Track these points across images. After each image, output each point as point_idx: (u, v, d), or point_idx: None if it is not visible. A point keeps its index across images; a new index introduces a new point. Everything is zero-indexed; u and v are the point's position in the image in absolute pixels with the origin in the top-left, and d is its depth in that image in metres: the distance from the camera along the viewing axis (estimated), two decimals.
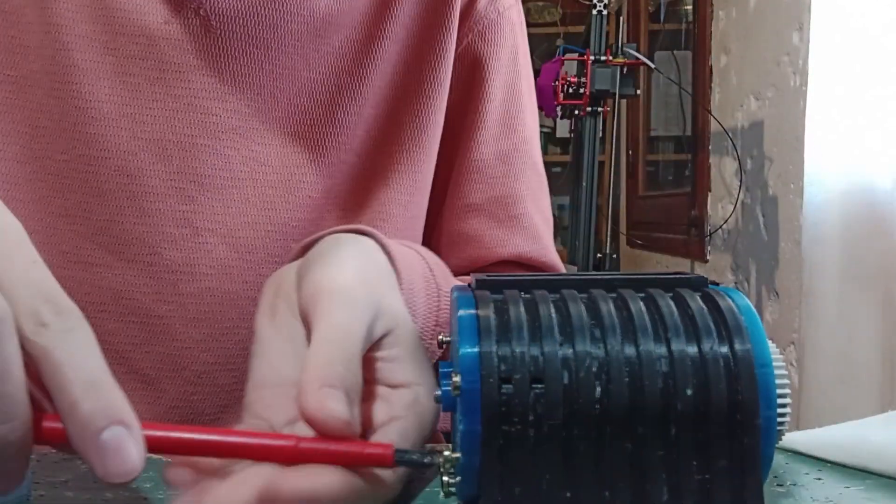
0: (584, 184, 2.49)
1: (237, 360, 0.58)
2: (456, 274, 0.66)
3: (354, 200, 0.61)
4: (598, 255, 2.49)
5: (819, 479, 0.45)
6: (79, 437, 0.31)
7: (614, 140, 2.70)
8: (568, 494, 0.32)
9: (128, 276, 0.56)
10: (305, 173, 0.59)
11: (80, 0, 0.55)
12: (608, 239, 2.65)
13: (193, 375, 0.57)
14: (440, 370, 0.43)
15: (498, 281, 0.38)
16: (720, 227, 2.51)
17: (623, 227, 3.66)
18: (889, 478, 0.45)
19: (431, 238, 0.68)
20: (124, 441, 0.32)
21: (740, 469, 0.33)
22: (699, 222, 2.65)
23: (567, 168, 2.85)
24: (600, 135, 2.53)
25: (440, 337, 0.45)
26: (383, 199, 0.61)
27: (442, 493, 0.36)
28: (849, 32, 1.98)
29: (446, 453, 0.34)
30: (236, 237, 0.57)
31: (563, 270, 0.72)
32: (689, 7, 2.86)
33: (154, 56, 0.55)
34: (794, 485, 0.44)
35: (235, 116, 0.57)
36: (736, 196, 2.40)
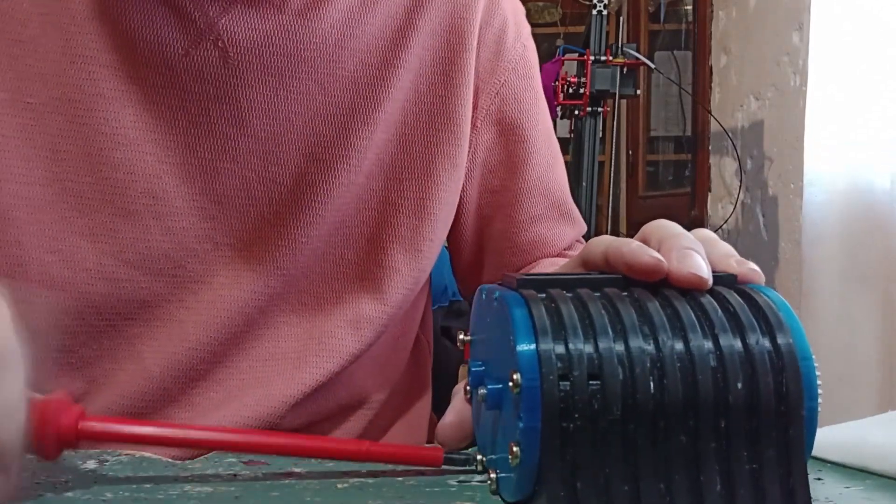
0: (584, 184, 2.49)
1: (234, 361, 0.62)
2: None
3: (361, 220, 0.65)
4: None
5: (819, 479, 0.46)
6: None
7: (614, 140, 2.71)
8: (626, 488, 0.33)
9: (153, 287, 0.60)
10: (317, 193, 0.62)
11: (104, 31, 0.58)
12: None
13: (196, 374, 0.61)
14: (470, 369, 0.44)
15: (541, 280, 0.39)
16: (720, 227, 2.52)
17: (623, 227, 3.67)
18: (889, 478, 0.46)
19: (500, 251, 0.74)
20: None
21: (787, 457, 0.34)
22: (699, 222, 2.66)
23: (567, 168, 2.86)
24: (600, 135, 2.54)
25: (461, 336, 0.47)
26: (391, 223, 0.65)
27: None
28: (849, 32, 2.00)
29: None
30: (250, 251, 0.61)
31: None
32: (689, 7, 2.88)
33: (176, 85, 0.59)
34: None
35: (253, 140, 0.61)
36: (736, 196, 2.41)
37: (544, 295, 0.38)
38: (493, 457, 0.42)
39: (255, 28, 0.60)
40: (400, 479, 0.45)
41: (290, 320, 0.63)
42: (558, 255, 0.74)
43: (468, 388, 0.47)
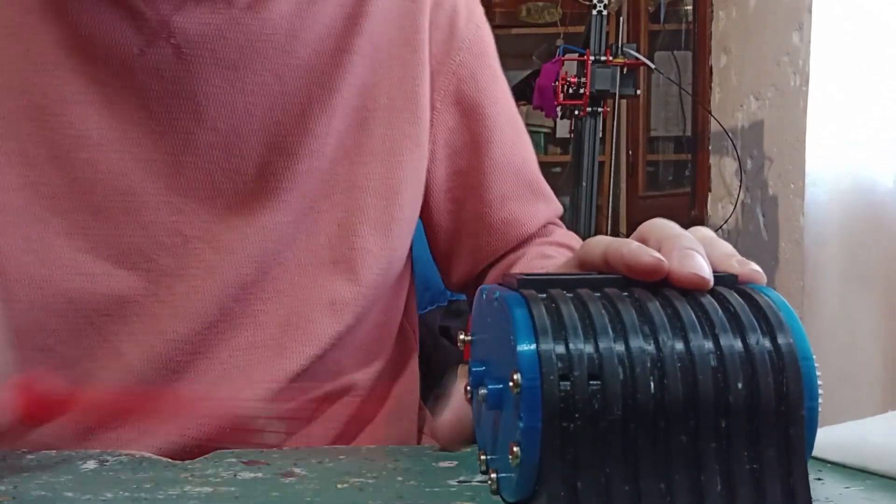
0: (584, 184, 2.49)
1: (214, 351, 0.63)
2: (504, 256, 0.74)
3: (330, 204, 0.66)
4: None
5: (819, 479, 0.46)
6: None
7: (614, 140, 2.71)
8: (627, 488, 0.33)
9: (128, 282, 0.61)
10: (281, 180, 0.64)
11: (61, 36, 0.60)
12: None
13: (177, 366, 0.62)
14: (471, 369, 0.44)
15: (541, 280, 0.39)
16: (720, 227, 2.52)
17: (623, 227, 3.67)
18: (889, 478, 0.46)
19: (475, 233, 0.74)
20: None
21: (787, 458, 0.34)
22: (699, 222, 2.66)
23: (567, 168, 2.86)
24: (600, 135, 2.54)
25: (461, 336, 0.47)
26: (360, 205, 0.66)
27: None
28: (849, 32, 2.00)
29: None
30: (220, 242, 0.63)
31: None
32: (689, 7, 2.88)
33: (134, 84, 0.61)
34: None
35: (213, 134, 0.63)
36: (736, 196, 2.41)
37: (545, 295, 0.38)
38: (494, 457, 0.42)
39: (207, 23, 0.61)
40: (400, 479, 0.45)
41: (267, 308, 0.64)
42: (538, 237, 0.75)
43: (468, 388, 0.47)
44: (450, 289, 0.87)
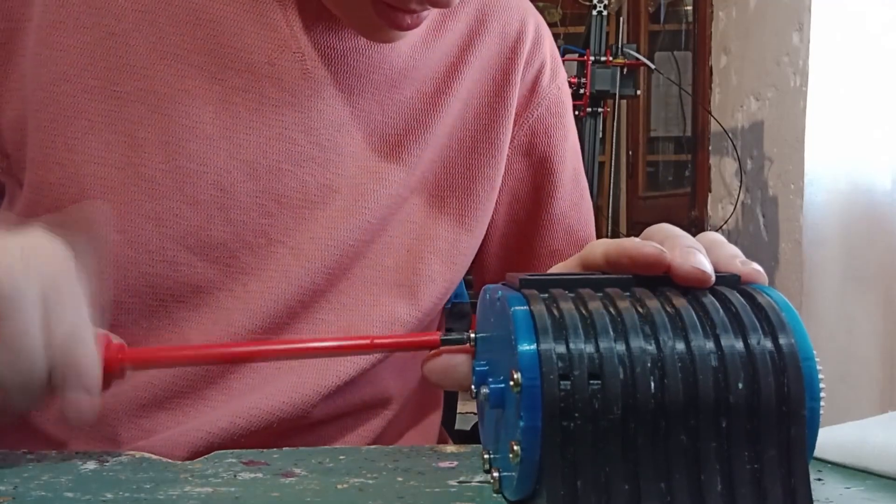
0: None
1: None
2: None
3: (403, 231, 0.69)
4: None
5: (819, 479, 0.46)
6: None
7: (614, 140, 2.71)
8: (626, 487, 0.33)
9: (207, 274, 0.64)
10: (368, 201, 0.67)
11: (197, 34, 0.63)
12: None
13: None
14: (475, 369, 0.44)
15: (543, 280, 0.39)
16: (720, 227, 2.52)
17: (623, 228, 3.68)
18: (889, 478, 0.46)
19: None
20: None
21: (787, 458, 0.34)
22: (699, 223, 2.67)
23: None
24: (600, 135, 2.55)
25: (469, 334, 0.47)
26: (430, 235, 0.70)
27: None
28: (849, 32, 2.00)
29: (517, 448, 0.35)
30: (300, 249, 0.65)
31: None
32: (689, 7, 2.88)
33: (255, 90, 0.64)
34: None
35: (317, 149, 0.65)
36: (736, 196, 2.41)
37: (546, 295, 0.38)
38: (496, 455, 0.42)
39: (334, 47, 0.65)
40: (400, 479, 0.45)
41: (328, 317, 0.66)
42: None
43: (473, 386, 0.47)
44: None
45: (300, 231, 0.65)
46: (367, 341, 0.48)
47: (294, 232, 0.65)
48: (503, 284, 0.42)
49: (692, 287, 0.38)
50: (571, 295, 0.37)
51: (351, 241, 0.66)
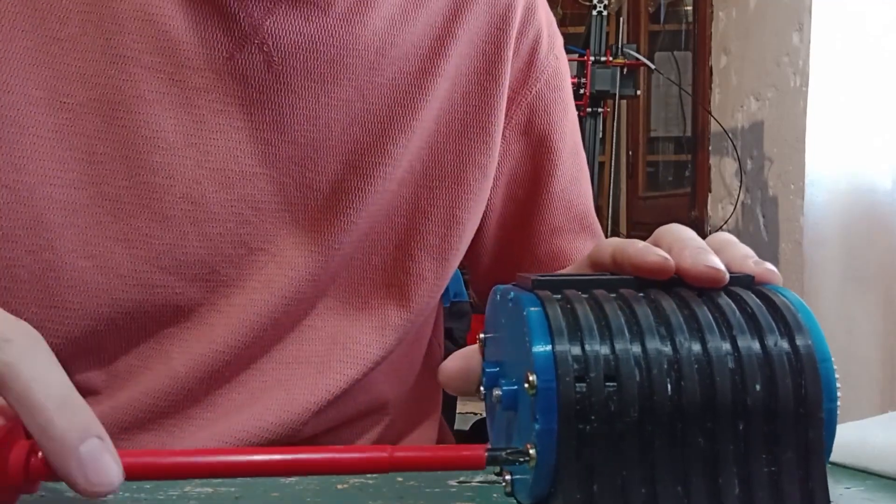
0: None
1: (258, 363, 0.62)
2: None
3: (391, 227, 0.65)
4: None
5: None
6: (57, 454, 0.32)
7: (614, 140, 2.71)
8: (643, 490, 0.33)
9: (187, 293, 0.59)
10: (352, 200, 0.62)
11: (147, 32, 0.57)
12: None
13: (221, 376, 0.60)
14: (485, 370, 0.43)
15: (556, 281, 0.39)
16: (720, 227, 2.52)
17: (623, 228, 3.67)
18: (889, 478, 0.45)
19: (518, 262, 0.74)
20: (102, 453, 0.33)
21: (805, 460, 0.34)
22: (699, 223, 2.67)
23: None
24: (600, 135, 2.55)
25: (480, 335, 0.46)
26: (420, 230, 0.65)
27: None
28: (849, 32, 2.00)
29: (532, 451, 0.34)
30: (283, 256, 0.61)
31: None
32: (689, 8, 2.88)
33: (218, 89, 0.58)
34: None
35: (292, 147, 0.60)
36: (736, 196, 2.41)
37: (560, 296, 0.37)
38: None
39: (300, 31, 0.59)
40: (400, 479, 0.45)
41: (315, 324, 0.63)
42: None
43: (482, 388, 0.46)
44: (479, 300, 0.85)
45: (281, 237, 0.61)
46: (386, 454, 0.36)
47: (275, 238, 0.61)
48: (514, 285, 0.42)
49: (706, 288, 0.38)
50: (585, 296, 0.37)
51: (336, 242, 0.62)
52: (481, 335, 0.45)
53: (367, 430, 0.67)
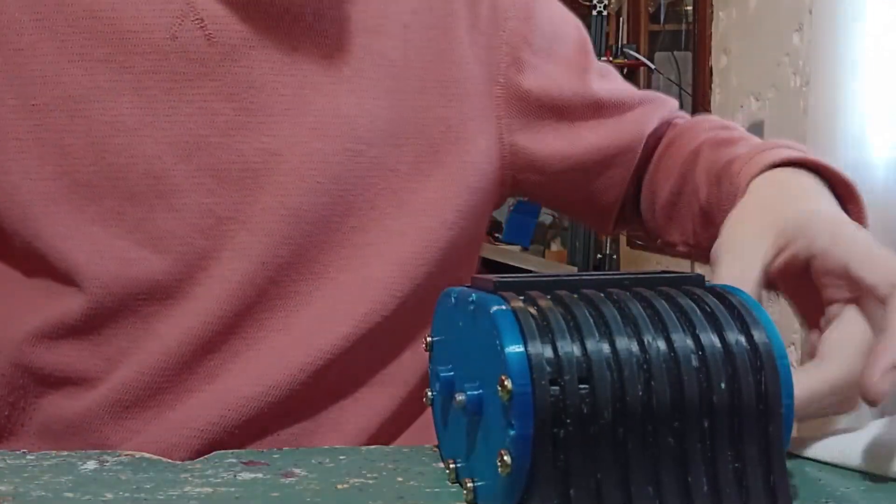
0: None
1: (249, 332, 0.64)
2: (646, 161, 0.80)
3: (362, 185, 0.66)
4: (599, 255, 2.51)
5: (819, 479, 0.46)
6: None
7: None
8: (618, 492, 0.33)
9: (164, 265, 0.62)
10: (314, 160, 0.64)
11: (96, 28, 0.62)
12: (608, 240, 2.66)
13: (213, 346, 0.63)
14: (439, 374, 0.43)
15: (518, 282, 0.39)
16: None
17: None
18: (889, 478, 0.46)
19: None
20: None
21: (767, 454, 0.35)
22: None
23: None
24: None
25: (427, 338, 0.47)
26: (392, 187, 0.66)
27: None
28: (849, 32, 2.00)
29: (506, 458, 0.34)
30: (254, 222, 0.63)
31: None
32: (689, 8, 2.87)
33: (165, 69, 0.62)
34: (794, 486, 0.44)
35: (243, 114, 0.63)
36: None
37: (524, 297, 0.37)
38: (466, 465, 0.41)
39: (230, 2, 0.62)
40: (400, 479, 0.45)
41: (301, 289, 0.64)
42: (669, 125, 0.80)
43: (428, 392, 0.46)
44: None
45: (248, 203, 0.63)
46: None
47: (242, 205, 0.63)
48: (471, 287, 0.41)
49: (664, 287, 0.39)
50: (549, 297, 0.37)
51: (306, 205, 0.63)
52: (428, 338, 0.46)
53: (372, 401, 0.67)
